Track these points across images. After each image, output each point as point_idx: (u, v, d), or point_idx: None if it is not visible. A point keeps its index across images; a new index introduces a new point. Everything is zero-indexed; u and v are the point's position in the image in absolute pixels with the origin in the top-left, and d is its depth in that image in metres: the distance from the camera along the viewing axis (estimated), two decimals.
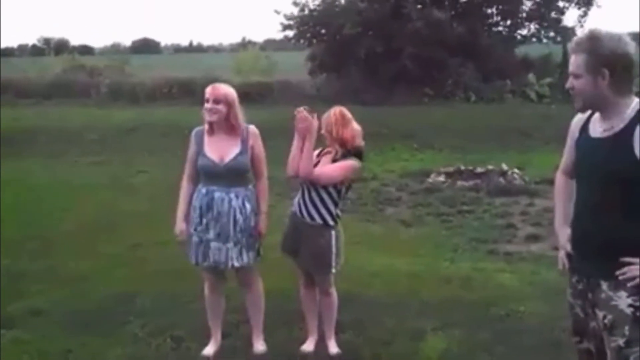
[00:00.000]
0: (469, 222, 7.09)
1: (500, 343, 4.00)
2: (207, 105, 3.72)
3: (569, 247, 2.58)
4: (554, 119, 14.79)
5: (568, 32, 21.42)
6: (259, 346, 4.00)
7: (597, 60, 2.36)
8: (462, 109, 17.15)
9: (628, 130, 2.36)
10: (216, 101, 3.70)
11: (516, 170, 8.99)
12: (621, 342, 2.35)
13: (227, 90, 3.76)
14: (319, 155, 3.85)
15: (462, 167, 9.15)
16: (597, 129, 2.48)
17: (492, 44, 19.88)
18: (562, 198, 2.76)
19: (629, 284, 2.35)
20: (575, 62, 2.42)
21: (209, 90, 3.74)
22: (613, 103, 2.40)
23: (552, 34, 21.57)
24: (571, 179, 2.70)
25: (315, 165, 3.77)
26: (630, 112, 2.38)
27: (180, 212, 3.83)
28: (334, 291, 3.96)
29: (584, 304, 2.52)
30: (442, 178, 8.95)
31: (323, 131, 3.77)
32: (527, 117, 15.21)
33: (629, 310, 2.35)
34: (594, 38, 2.38)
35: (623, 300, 2.36)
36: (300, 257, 3.87)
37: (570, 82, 2.46)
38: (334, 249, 3.79)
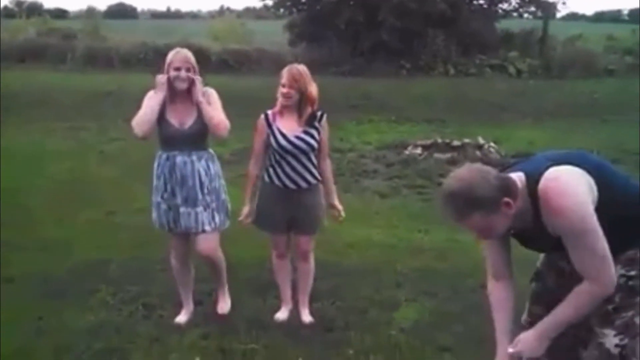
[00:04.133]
0: None
1: (473, 314, 4.03)
2: (181, 74, 3.63)
3: None
4: (532, 94, 14.91)
5: (549, 7, 21.47)
6: (224, 306, 4.01)
7: (486, 205, 2.18)
8: (440, 82, 17.13)
9: None
10: (188, 69, 3.65)
11: (492, 144, 9.02)
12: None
13: (192, 56, 3.71)
14: (273, 117, 3.75)
15: (439, 140, 9.16)
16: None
17: (472, 18, 19.80)
18: (499, 311, 2.53)
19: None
20: (474, 224, 2.24)
21: (179, 58, 3.66)
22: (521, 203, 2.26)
23: (532, 8, 21.56)
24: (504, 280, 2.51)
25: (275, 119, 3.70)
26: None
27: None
28: (312, 256, 3.97)
29: (559, 279, 2.52)
30: (419, 150, 8.96)
31: (285, 89, 3.67)
32: (505, 91, 15.26)
33: (615, 351, 2.36)
34: (465, 194, 2.19)
35: (610, 340, 2.37)
36: (295, 224, 3.84)
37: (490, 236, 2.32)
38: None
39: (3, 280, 4.47)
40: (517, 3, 21.56)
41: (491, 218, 2.20)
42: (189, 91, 3.67)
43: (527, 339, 2.36)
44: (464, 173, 2.23)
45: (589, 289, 2.25)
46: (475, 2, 21.52)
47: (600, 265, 2.22)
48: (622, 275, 2.34)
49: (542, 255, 2.63)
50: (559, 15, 24.18)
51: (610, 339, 2.37)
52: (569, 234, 2.21)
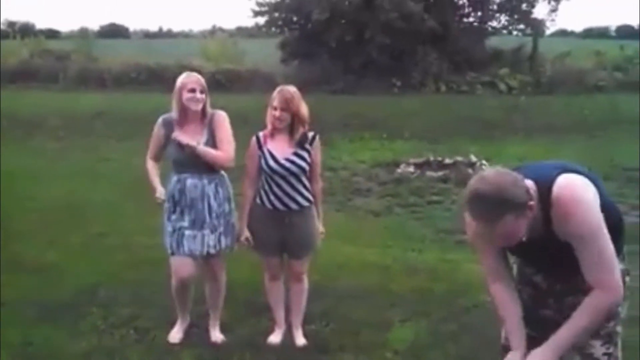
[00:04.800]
0: (438, 212, 7.12)
1: (466, 334, 4.02)
2: (197, 95, 3.68)
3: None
4: (523, 111, 14.98)
5: (539, 25, 21.68)
6: (217, 334, 3.99)
7: (517, 207, 2.16)
8: (432, 99, 17.22)
9: None
10: (201, 91, 3.69)
11: (484, 162, 9.06)
12: None
13: (201, 78, 3.77)
14: (265, 139, 3.76)
15: (432, 158, 9.19)
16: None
17: (462, 35, 19.96)
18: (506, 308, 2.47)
19: None
20: (504, 227, 2.18)
21: (193, 80, 3.71)
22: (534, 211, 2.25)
23: (522, 26, 21.77)
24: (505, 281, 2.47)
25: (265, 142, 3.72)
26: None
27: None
28: (306, 278, 3.95)
29: (535, 294, 2.53)
30: (411, 169, 8.98)
31: (277, 112, 3.66)
32: (496, 108, 15.34)
33: (604, 359, 2.42)
34: (499, 195, 2.15)
35: (598, 349, 2.42)
36: (287, 247, 3.83)
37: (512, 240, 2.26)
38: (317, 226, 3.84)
39: None
40: (507, 20, 21.82)
41: (519, 221, 2.19)
42: (203, 114, 3.72)
43: (544, 354, 2.33)
44: (493, 176, 2.21)
45: (601, 297, 2.26)
46: (465, 20, 21.74)
47: (611, 270, 2.25)
48: (604, 354, 2.42)
49: (514, 272, 2.62)
50: (548, 32, 24.40)
51: (598, 349, 2.42)
52: (582, 240, 2.23)
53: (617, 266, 2.28)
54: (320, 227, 3.87)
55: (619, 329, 2.46)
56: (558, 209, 2.24)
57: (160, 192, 3.76)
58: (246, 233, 3.82)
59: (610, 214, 2.33)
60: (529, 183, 2.26)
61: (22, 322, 4.19)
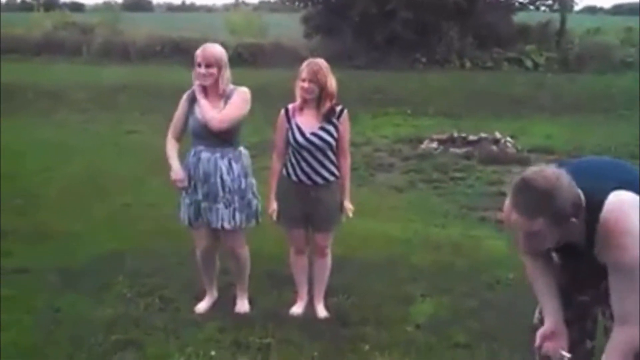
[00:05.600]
0: (461, 189, 7.07)
1: (488, 310, 4.02)
2: (201, 70, 3.65)
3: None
4: (549, 88, 14.77)
5: (566, 0, 21.24)
6: (243, 306, 4.02)
7: (556, 216, 2.09)
8: (456, 75, 17.03)
9: None
10: (208, 65, 3.64)
11: (509, 139, 8.95)
12: None
13: (218, 52, 3.69)
14: (293, 112, 3.75)
15: (455, 134, 9.10)
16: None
17: (488, 10, 19.64)
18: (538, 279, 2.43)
19: None
20: (533, 227, 2.12)
21: (200, 54, 3.67)
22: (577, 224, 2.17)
23: (549, 1, 21.36)
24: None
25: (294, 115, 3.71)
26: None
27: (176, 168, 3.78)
28: (329, 252, 3.97)
29: (572, 279, 2.47)
30: (434, 145, 8.92)
31: (305, 83, 3.65)
32: (522, 85, 15.13)
33: None
34: (546, 196, 2.08)
35: None
36: (312, 221, 3.83)
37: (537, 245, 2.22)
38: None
39: (18, 271, 4.50)
40: None
41: (552, 229, 2.12)
42: (218, 88, 3.69)
43: None
44: (552, 175, 2.11)
45: (628, 331, 2.17)
46: None
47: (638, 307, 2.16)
48: None
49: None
50: (576, 8, 23.93)
51: None
52: (619, 271, 2.16)
53: None
54: (347, 203, 3.85)
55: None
56: (603, 234, 2.15)
57: (175, 171, 3.76)
58: (274, 205, 3.82)
59: None
60: (578, 194, 2.14)
61: (48, 289, 4.27)
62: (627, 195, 2.18)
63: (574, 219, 2.11)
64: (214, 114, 3.65)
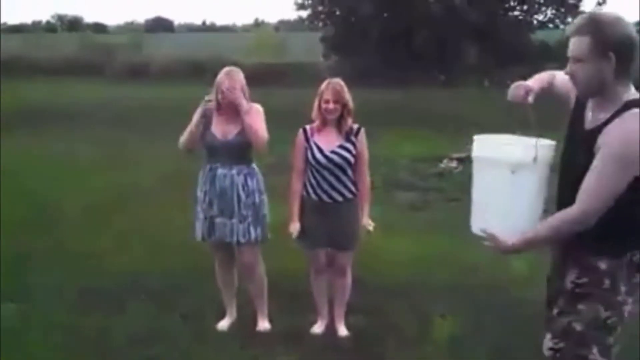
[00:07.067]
0: None
1: (508, 328, 3.99)
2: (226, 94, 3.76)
3: None
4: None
5: None
6: (264, 324, 4.05)
7: (603, 44, 2.22)
8: (475, 93, 17.01)
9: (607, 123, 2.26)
10: (231, 89, 3.75)
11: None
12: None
13: (240, 76, 3.83)
14: (312, 132, 3.80)
15: None
16: (589, 119, 2.38)
17: (507, 29, 19.66)
18: None
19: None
20: (577, 45, 2.27)
21: (225, 80, 3.78)
22: (613, 92, 2.28)
23: (569, 19, 21.31)
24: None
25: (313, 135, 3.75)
26: (623, 102, 2.27)
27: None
28: (349, 272, 3.98)
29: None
30: (454, 164, 8.91)
31: (330, 105, 3.70)
32: (541, 103, 15.03)
33: (548, 354, 2.43)
34: (597, 20, 2.25)
35: (546, 342, 2.44)
36: (332, 239, 3.85)
37: (571, 68, 2.34)
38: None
39: (37, 288, 4.55)
40: (553, 14, 21.38)
41: (590, 58, 2.24)
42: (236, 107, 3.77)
43: (505, 240, 2.49)
44: (622, 20, 2.26)
45: (570, 210, 2.28)
46: (510, 13, 21.39)
47: (595, 195, 2.23)
48: (571, 282, 2.38)
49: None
50: None
51: (547, 342, 2.43)
52: (602, 155, 2.22)
53: (604, 201, 2.22)
54: (367, 219, 3.84)
55: (578, 326, 2.35)
56: (619, 120, 2.22)
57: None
58: (297, 225, 3.84)
59: None
60: (634, 92, 2.26)
61: (68, 307, 4.31)
62: None
63: (611, 54, 2.21)
64: (261, 133, 3.75)
